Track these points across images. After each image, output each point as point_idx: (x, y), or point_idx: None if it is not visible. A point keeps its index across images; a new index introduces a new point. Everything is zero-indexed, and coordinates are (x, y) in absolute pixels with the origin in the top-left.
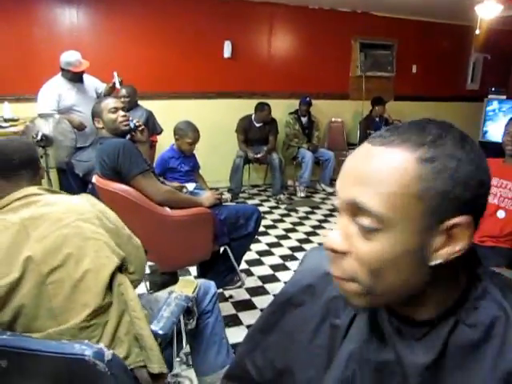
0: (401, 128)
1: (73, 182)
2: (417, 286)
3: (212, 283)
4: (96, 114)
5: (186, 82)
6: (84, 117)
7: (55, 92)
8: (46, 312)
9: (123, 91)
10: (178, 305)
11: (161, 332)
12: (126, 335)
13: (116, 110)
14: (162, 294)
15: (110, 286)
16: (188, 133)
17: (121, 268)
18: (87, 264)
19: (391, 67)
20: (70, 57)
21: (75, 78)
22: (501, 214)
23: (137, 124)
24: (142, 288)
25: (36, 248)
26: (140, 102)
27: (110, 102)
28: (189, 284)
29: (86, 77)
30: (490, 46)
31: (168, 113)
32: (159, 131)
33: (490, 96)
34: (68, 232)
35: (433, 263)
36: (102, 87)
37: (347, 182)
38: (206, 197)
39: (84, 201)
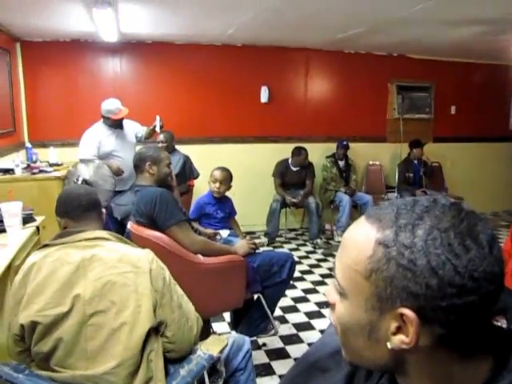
0: (391, 205)
1: (111, 225)
2: (385, 363)
3: (246, 339)
4: (153, 160)
5: (223, 126)
6: (123, 162)
7: (96, 139)
8: (80, 352)
9: (161, 137)
10: (198, 364)
11: None
12: None
13: (170, 165)
14: None
15: (142, 348)
16: (213, 171)
17: (158, 330)
18: (126, 316)
19: (429, 109)
20: (110, 105)
21: (115, 124)
22: None
23: None
24: None
25: (87, 288)
26: (177, 147)
27: (168, 156)
28: (218, 342)
29: (126, 122)
30: None
31: (205, 157)
32: (196, 176)
33: None
34: (117, 281)
35: (389, 346)
36: (143, 131)
37: None
38: (241, 245)
39: (144, 255)
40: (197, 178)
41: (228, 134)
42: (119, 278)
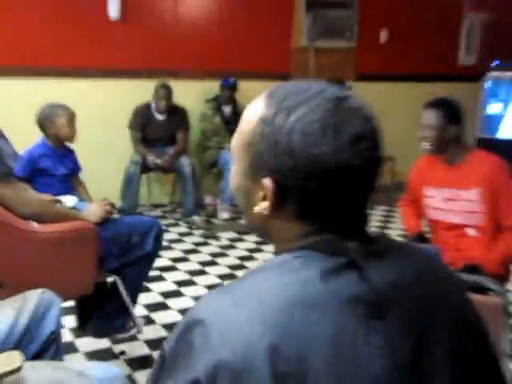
0: (287, 85)
1: None
2: (256, 225)
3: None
4: None
5: (51, 52)
6: None
7: None
8: None
9: None
10: None
11: None
12: None
13: None
14: None
15: None
16: (58, 111)
17: None
18: None
19: (351, 34)
20: None
21: None
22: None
23: None
24: None
25: None
26: None
27: None
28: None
29: None
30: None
31: (24, 97)
32: None
33: (490, 73)
34: None
35: (254, 210)
36: None
37: None
38: (92, 210)
39: None
40: None
41: (59, 64)
42: None
